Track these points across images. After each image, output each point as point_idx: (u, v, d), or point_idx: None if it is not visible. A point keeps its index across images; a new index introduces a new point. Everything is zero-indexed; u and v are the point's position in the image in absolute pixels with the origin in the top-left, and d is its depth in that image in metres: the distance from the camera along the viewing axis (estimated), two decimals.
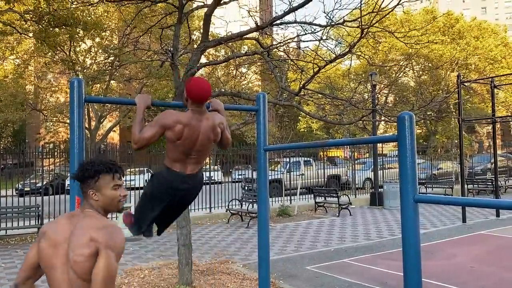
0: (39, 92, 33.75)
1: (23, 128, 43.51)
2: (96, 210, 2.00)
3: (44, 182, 17.53)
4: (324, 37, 5.78)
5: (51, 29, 14.33)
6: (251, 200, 12.18)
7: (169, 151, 2.85)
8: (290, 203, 14.59)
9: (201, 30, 6.35)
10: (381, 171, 18.65)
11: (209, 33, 6.36)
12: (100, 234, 1.84)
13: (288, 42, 6.33)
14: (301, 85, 5.44)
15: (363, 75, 31.99)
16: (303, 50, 6.27)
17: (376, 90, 17.52)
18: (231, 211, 12.04)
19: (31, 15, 13.95)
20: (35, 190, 16.06)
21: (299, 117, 44.75)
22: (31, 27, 14.56)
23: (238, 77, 33.06)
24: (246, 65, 32.55)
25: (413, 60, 34.68)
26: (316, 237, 10.03)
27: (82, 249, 1.83)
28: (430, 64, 34.46)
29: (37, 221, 9.88)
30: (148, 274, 6.79)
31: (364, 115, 6.37)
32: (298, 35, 7.05)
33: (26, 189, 19.16)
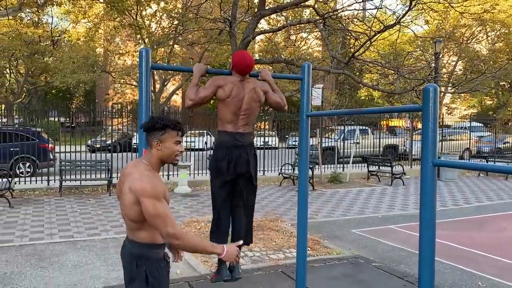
0: (108, 55, 35.55)
1: (93, 89, 46.23)
2: (151, 160, 2.35)
3: (113, 140, 18.95)
4: (379, 5, 5.81)
5: None
6: None
7: (220, 112, 3.27)
8: (343, 170, 14.77)
9: None
10: (441, 142, 18.18)
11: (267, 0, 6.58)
12: (136, 185, 2.19)
13: (343, 10, 6.42)
14: (351, 54, 5.58)
15: (431, 41, 30.50)
16: (357, 19, 6.33)
17: (441, 58, 16.85)
18: (283, 175, 12.48)
19: None
20: (104, 147, 17.43)
21: (360, 85, 43.75)
22: None
23: (299, 42, 32.82)
24: (306, 31, 32.22)
25: (487, 26, 32.43)
26: (365, 204, 10.25)
27: (125, 196, 2.26)
28: (507, 31, 32.09)
29: (107, 174, 10.86)
30: (203, 226, 7.43)
31: (417, 85, 6.40)
32: (357, 2, 7.07)
33: (96, 146, 20.82)
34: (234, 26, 6.40)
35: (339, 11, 6.83)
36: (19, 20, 28.29)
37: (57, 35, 36.54)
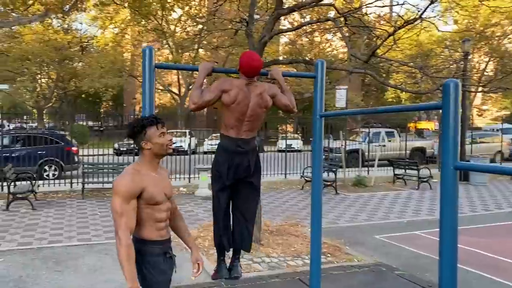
0: (134, 60, 36.11)
1: (121, 93, 47.03)
2: (143, 159, 2.42)
3: None
4: (401, 2, 5.56)
5: None
6: (326, 169, 12.26)
7: (224, 117, 3.14)
8: (368, 173, 14.41)
9: None
10: (471, 145, 17.55)
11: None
12: (114, 181, 2.34)
13: (366, 6, 6.19)
14: (370, 52, 5.35)
15: (460, 42, 29.62)
16: (380, 15, 6.09)
17: (470, 57, 16.28)
18: (305, 178, 12.25)
19: None
20: (130, 150, 17.60)
21: (388, 87, 42.98)
22: None
23: (323, 44, 32.48)
24: (331, 32, 31.85)
25: None
26: (390, 208, 9.92)
27: None
28: None
29: None
30: None
31: (442, 84, 6.09)
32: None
33: (122, 149, 21.10)
34: (251, 26, 6.26)
35: (362, 8, 6.60)
36: (49, 27, 29.06)
37: (86, 41, 37.38)
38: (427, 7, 4.83)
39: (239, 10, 7.18)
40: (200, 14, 25.30)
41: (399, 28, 4.54)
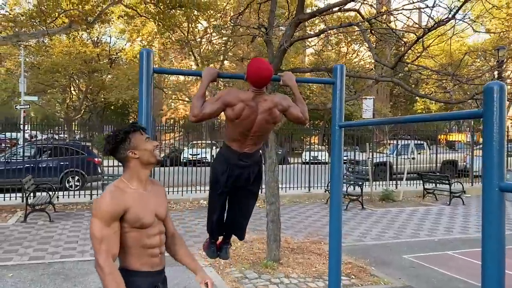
0: None
1: None
2: (129, 173, 2.12)
3: (162, 155, 19.11)
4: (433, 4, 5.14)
5: (168, 10, 15.19)
6: (352, 182, 11.77)
7: (228, 130, 2.88)
8: (396, 188, 13.81)
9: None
10: (509, 158, 16.66)
11: (308, 5, 6.12)
12: (93, 203, 2.04)
13: (393, 11, 5.81)
14: (397, 58, 4.95)
15: (493, 51, 28.57)
16: (409, 18, 5.67)
17: (504, 67, 15.54)
18: (329, 191, 11.77)
19: None
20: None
21: (416, 97, 42.06)
22: (151, 9, 15.58)
23: (350, 54, 31.95)
24: (358, 42, 31.29)
25: None
26: (420, 225, 9.35)
27: None
28: None
29: None
30: (239, 247, 6.96)
31: (477, 93, 5.61)
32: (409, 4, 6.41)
33: None
34: (270, 33, 5.97)
35: (388, 12, 6.22)
36: (79, 40, 29.68)
37: (115, 53, 38.08)
38: (461, 6, 4.41)
39: (259, 18, 6.90)
40: (226, 25, 25.30)
41: (429, 30, 4.13)
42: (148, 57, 2.58)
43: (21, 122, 24.85)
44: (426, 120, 2.10)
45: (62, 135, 32.61)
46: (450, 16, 4.31)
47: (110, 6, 14.23)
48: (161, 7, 14.78)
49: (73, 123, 35.75)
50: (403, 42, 5.72)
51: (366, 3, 6.13)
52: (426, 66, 6.04)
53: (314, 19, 7.04)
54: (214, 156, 3.12)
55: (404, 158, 15.43)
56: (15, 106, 26.31)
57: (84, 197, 10.98)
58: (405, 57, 6.98)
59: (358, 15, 6.45)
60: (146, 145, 2.12)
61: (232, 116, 2.71)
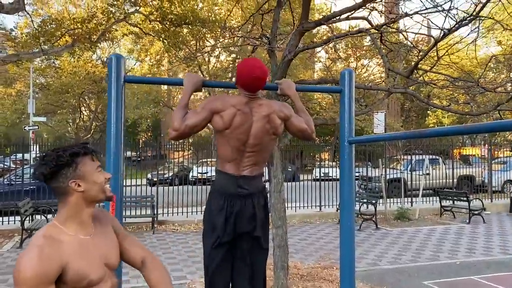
0: (170, 90, 36.47)
1: (158, 123, 47.63)
2: (68, 213, 1.57)
3: (171, 173, 18.76)
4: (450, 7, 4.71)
5: (173, 28, 14.99)
6: (364, 200, 11.22)
7: (219, 148, 2.39)
8: (411, 205, 13.19)
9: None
10: None
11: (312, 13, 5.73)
12: (14, 268, 1.45)
13: (402, 17, 5.39)
14: (413, 66, 4.51)
15: (505, 63, 27.92)
16: (422, 25, 5.24)
17: None
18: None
19: (155, 15, 14.75)
20: (162, 180, 17.18)
21: (428, 111, 41.42)
22: (155, 27, 15.40)
23: (359, 70, 31.58)
24: (367, 57, 30.96)
25: None
26: (439, 246, 8.75)
27: None
28: None
29: (152, 210, 10.28)
30: None
31: (500, 103, 5.13)
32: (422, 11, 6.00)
33: (154, 179, 20.76)
34: (273, 42, 5.58)
35: (400, 18, 5.80)
36: (88, 60, 29.79)
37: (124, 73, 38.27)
38: (484, 6, 3.97)
39: (262, 29, 6.53)
40: (233, 43, 25.15)
41: (449, 31, 3.70)
42: (118, 64, 2.18)
43: (30, 143, 24.81)
44: (458, 133, 1.64)
45: None
46: (474, 11, 3.87)
47: (114, 24, 14.10)
48: (167, 24, 14.58)
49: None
50: (417, 50, 5.27)
51: (375, 10, 5.72)
52: (446, 74, 5.58)
53: (323, 32, 6.68)
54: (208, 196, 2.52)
55: (419, 174, 14.84)
56: (24, 127, 26.29)
57: None
58: (419, 67, 6.55)
59: (365, 25, 6.06)
60: (96, 176, 1.62)
61: (222, 125, 2.26)
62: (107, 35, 13.78)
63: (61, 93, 31.32)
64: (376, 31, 5.61)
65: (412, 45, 5.27)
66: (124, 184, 10.35)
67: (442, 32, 3.75)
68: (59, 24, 12.72)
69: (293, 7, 6.47)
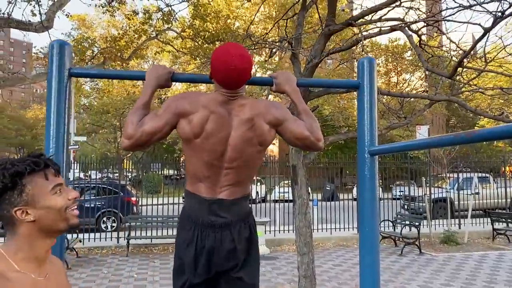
0: None
1: None
2: (22, 244, 1.19)
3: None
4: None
5: (206, 45, 14.81)
6: (407, 222, 10.30)
7: (188, 162, 1.84)
8: (459, 227, 12.09)
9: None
10: None
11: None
12: None
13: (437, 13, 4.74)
14: (456, 64, 3.82)
15: None
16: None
17: None
18: (381, 233, 10.36)
19: (188, 33, 14.63)
20: None
21: (476, 126, 39.43)
22: (187, 45, 15.27)
23: (400, 85, 30.40)
24: (409, 72, 29.77)
25: None
26: (493, 275, 7.75)
27: None
28: None
29: None
30: None
31: None
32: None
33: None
34: (297, 46, 5.06)
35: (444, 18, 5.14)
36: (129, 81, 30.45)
37: (164, 92, 38.87)
38: None
39: (287, 36, 6.03)
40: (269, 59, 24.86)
41: (500, 19, 3.03)
42: (61, 52, 1.70)
43: (70, 162, 25.33)
44: None
45: (115, 174, 33.13)
46: None
47: (146, 42, 14.06)
48: (199, 42, 14.40)
49: (125, 162, 36.40)
50: (462, 51, 4.57)
51: (412, 9, 5.09)
52: (497, 71, 4.83)
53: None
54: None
55: (467, 193, 13.69)
56: None
57: (111, 240, 10.26)
58: (462, 74, 5.81)
59: (405, 38, 5.41)
60: (52, 199, 1.21)
61: (189, 133, 1.73)
62: (138, 53, 13.74)
63: (102, 113, 32.08)
64: (414, 33, 4.97)
65: (456, 45, 4.57)
66: (165, 202, 10.01)
67: (494, 16, 3.08)
68: (91, 43, 12.78)
69: (317, 10, 5.93)
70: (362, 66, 1.93)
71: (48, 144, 1.64)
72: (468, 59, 4.48)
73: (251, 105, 1.80)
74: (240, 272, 1.87)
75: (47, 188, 1.20)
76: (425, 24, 5.42)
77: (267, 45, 5.57)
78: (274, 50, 5.55)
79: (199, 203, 1.83)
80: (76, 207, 1.26)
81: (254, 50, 6.52)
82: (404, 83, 33.41)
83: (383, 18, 5.19)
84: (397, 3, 4.92)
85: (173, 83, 1.91)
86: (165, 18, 13.41)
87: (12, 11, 8.50)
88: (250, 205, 2.01)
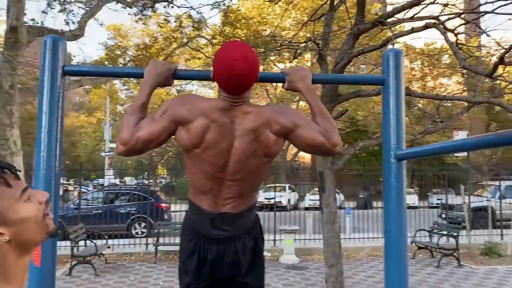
0: None
1: None
2: None
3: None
4: None
5: None
6: (444, 232, 9.78)
7: (189, 172, 1.71)
8: (501, 238, 11.41)
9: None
10: None
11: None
12: None
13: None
14: (497, 61, 3.50)
15: None
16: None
17: None
18: (417, 243, 9.89)
19: (218, 40, 14.62)
20: None
21: None
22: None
23: (437, 89, 29.43)
24: (446, 76, 28.78)
25: None
26: None
27: None
28: None
29: None
30: None
31: None
32: None
33: None
34: (324, 47, 4.85)
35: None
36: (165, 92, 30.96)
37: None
38: None
39: (315, 38, 5.82)
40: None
41: None
42: (54, 49, 1.57)
43: (105, 168, 25.91)
44: None
45: (150, 180, 33.73)
46: None
47: (177, 49, 14.14)
48: None
49: (158, 168, 36.96)
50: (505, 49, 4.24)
51: (447, 6, 4.79)
52: None
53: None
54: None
55: (510, 202, 12.96)
56: (100, 153, 27.59)
57: (140, 246, 10.26)
58: (503, 74, 5.42)
59: (442, 41, 5.10)
60: (24, 209, 1.02)
61: (188, 142, 1.57)
62: (169, 60, 13.83)
63: None
64: (450, 31, 4.67)
65: (496, 42, 4.24)
66: (185, 209, 10.02)
67: None
68: (123, 51, 12.98)
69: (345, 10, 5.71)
70: (387, 59, 1.71)
71: (39, 147, 1.52)
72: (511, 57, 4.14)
73: (257, 113, 1.63)
74: (245, 278, 1.77)
75: (14, 197, 1.01)
76: (463, 22, 5.09)
77: (291, 47, 5.37)
78: (299, 51, 5.34)
79: (201, 216, 1.72)
80: (50, 209, 1.09)
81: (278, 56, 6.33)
82: (441, 87, 32.44)
83: (415, 16, 4.92)
84: (432, 0, 4.64)
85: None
86: (195, 26, 13.47)
87: (44, 19, 8.70)
88: (256, 214, 1.83)
